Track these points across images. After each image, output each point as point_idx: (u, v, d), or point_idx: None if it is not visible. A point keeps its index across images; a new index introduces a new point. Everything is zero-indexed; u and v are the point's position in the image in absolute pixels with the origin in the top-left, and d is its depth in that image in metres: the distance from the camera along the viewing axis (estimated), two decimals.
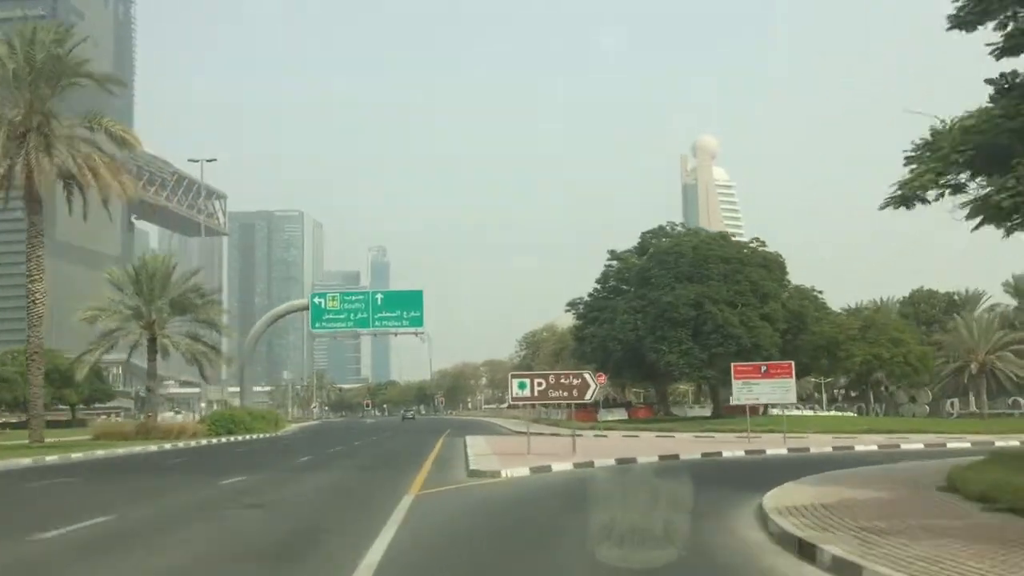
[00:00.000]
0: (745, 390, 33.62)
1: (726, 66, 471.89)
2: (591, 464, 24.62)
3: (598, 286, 66.71)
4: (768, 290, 54.87)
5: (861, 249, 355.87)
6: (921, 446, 32.69)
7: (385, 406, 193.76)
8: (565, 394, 26.80)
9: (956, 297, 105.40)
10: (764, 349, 50.72)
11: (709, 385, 61.38)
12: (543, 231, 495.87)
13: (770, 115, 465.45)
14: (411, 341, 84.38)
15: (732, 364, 34.54)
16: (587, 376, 26.96)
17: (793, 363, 33.77)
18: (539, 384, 26.93)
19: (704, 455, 28.37)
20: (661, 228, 67.38)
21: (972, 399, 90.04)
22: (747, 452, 29.57)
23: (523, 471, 22.45)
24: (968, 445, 32.79)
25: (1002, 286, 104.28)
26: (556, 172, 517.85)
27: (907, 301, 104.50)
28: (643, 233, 66.54)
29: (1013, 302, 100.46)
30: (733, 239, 59.56)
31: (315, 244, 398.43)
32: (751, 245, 59.00)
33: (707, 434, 44.45)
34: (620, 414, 68.36)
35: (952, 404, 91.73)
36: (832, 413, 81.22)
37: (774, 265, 57.25)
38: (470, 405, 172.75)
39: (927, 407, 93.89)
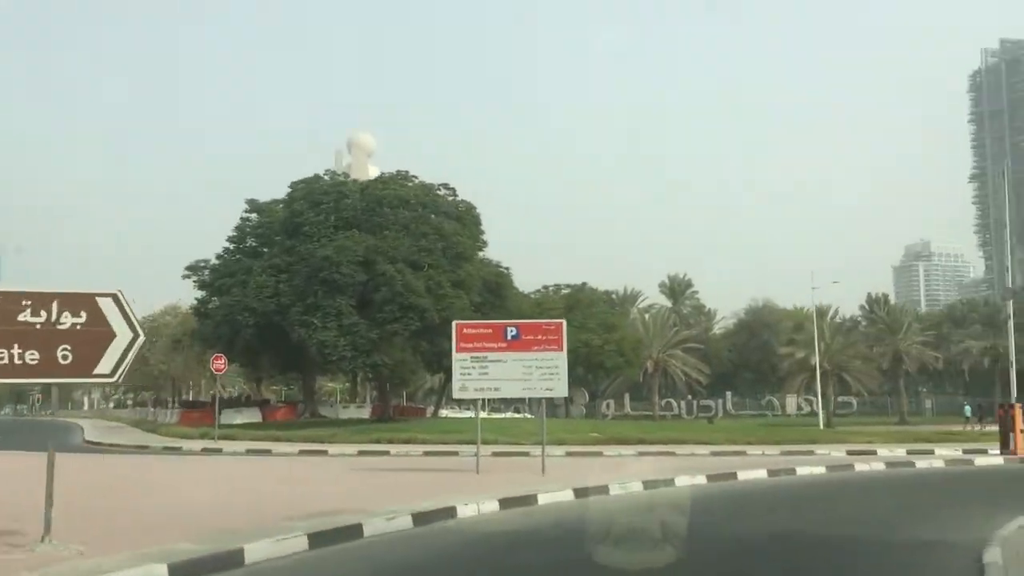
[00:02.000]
0: (476, 373, 17.06)
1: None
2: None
3: (231, 245, 46.98)
4: (463, 249, 39.26)
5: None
6: (764, 473, 18.32)
7: None
8: (34, 357, 8.44)
9: (614, 296, 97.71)
10: None
11: (379, 377, 44.59)
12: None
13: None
14: None
15: (455, 324, 17.79)
16: (104, 305, 8.60)
17: (565, 323, 17.80)
18: None
19: (420, 518, 11.29)
20: (317, 177, 48.71)
21: (627, 400, 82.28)
22: (503, 502, 12.91)
23: None
24: (823, 470, 19.26)
25: (659, 287, 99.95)
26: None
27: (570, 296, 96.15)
28: (293, 183, 46.88)
29: (668, 302, 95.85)
30: (416, 180, 43.03)
31: None
32: (439, 192, 42.77)
33: (378, 447, 27.82)
34: (253, 415, 49.68)
35: (608, 405, 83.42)
36: (492, 416, 68.23)
37: (468, 218, 41.70)
38: (86, 404, 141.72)
39: (583, 408, 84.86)
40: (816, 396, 58.20)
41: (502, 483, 14.95)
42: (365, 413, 51.97)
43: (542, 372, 17.00)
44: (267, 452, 28.04)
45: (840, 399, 76.86)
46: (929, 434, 35.74)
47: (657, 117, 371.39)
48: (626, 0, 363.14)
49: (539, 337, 17.18)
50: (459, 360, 17.19)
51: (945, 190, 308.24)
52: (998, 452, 22.41)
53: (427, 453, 25.73)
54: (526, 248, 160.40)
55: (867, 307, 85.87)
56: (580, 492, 14.10)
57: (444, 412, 64.09)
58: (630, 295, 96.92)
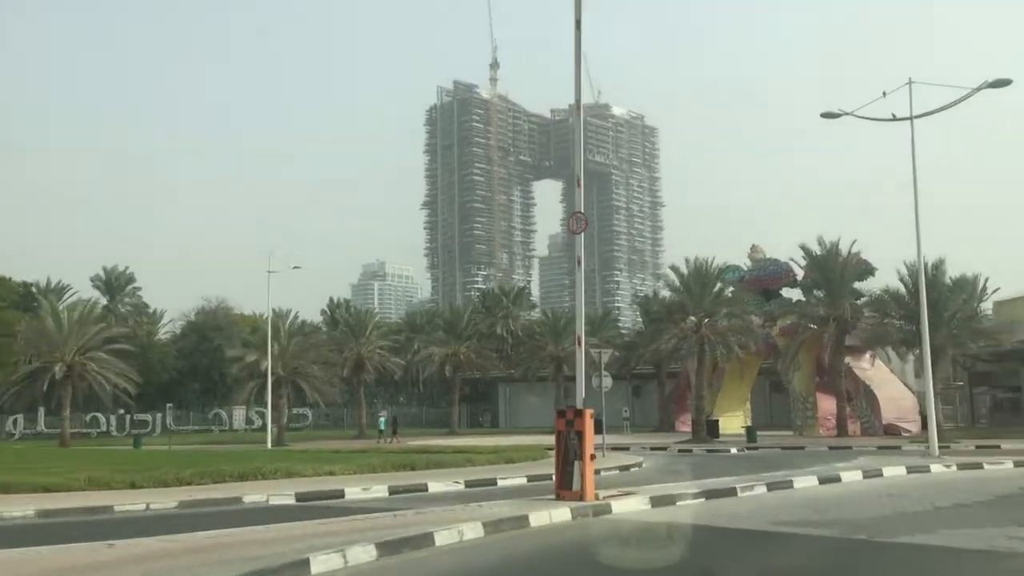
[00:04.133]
0: None
1: None
2: None
3: None
4: None
5: None
6: None
7: None
8: None
9: (35, 288, 77.79)
10: None
11: None
12: None
13: None
14: None
15: None
16: None
17: None
18: None
19: None
20: None
21: (41, 414, 63.54)
22: None
23: None
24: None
25: (91, 280, 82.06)
26: None
27: None
28: None
29: (104, 298, 78.65)
30: None
31: None
32: None
33: None
34: None
35: (16, 422, 63.79)
36: None
37: None
38: None
39: None
40: (267, 407, 47.22)
41: None
42: None
43: None
44: None
45: (296, 411, 67.40)
46: (403, 456, 26.39)
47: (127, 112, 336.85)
48: None
49: None
50: None
51: (401, 215, 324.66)
52: (516, 478, 12.78)
53: None
54: None
55: (328, 312, 77.93)
56: None
57: None
58: (55, 288, 77.31)
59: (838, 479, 16.58)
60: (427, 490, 16.92)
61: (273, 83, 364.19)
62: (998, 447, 31.55)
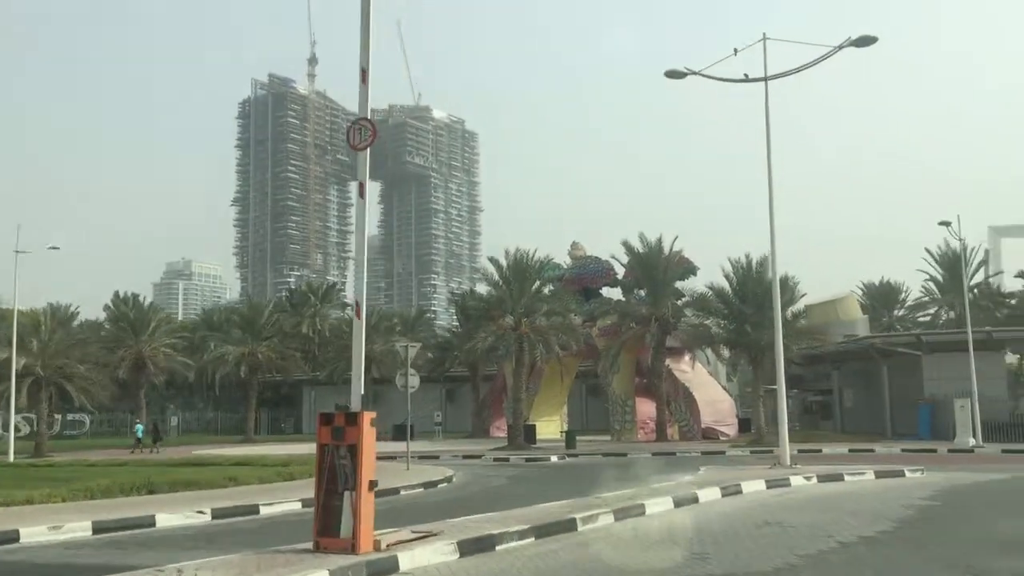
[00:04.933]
0: None
1: None
2: None
3: None
4: None
5: None
6: None
7: None
8: None
9: None
10: None
11: None
12: None
13: None
14: None
15: None
16: None
17: None
18: None
19: None
20: None
21: None
22: None
23: None
24: None
25: None
26: None
27: None
28: None
29: None
30: None
31: None
32: None
33: None
34: None
35: None
36: None
37: None
38: None
39: None
40: (10, 411, 39.60)
41: None
42: None
43: None
44: None
45: (71, 416, 58.87)
46: (148, 473, 21.10)
47: None
48: None
49: None
50: None
51: (210, 211, 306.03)
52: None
53: None
54: None
55: (113, 307, 69.14)
56: None
57: None
58: None
59: (696, 500, 13.10)
60: (154, 524, 12.07)
61: (74, 63, 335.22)
62: (820, 451, 30.49)
